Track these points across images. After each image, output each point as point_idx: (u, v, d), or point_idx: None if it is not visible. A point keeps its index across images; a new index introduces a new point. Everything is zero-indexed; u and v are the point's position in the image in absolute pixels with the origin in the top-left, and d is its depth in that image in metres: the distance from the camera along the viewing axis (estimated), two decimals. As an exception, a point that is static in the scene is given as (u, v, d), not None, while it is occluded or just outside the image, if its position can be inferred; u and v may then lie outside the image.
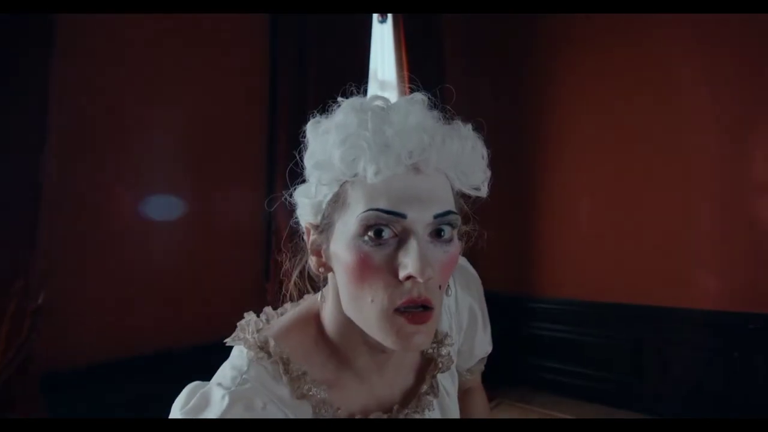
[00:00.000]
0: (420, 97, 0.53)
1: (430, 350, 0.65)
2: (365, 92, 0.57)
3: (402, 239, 0.48)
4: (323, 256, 0.53)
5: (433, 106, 0.54)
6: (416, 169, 0.49)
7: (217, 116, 2.02)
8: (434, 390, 0.62)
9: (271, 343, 0.53)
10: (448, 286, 0.58)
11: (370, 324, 0.50)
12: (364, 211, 0.47)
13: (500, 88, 3.55)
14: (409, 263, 0.46)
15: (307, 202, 0.54)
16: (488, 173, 0.55)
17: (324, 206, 0.52)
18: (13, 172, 1.35)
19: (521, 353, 3.34)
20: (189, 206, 1.89)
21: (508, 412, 2.92)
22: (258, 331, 0.56)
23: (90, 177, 1.62)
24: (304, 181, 0.57)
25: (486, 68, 3.58)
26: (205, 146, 1.98)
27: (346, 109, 0.51)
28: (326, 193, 0.51)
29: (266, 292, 2.01)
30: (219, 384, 0.50)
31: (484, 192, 0.56)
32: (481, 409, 0.82)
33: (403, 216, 0.47)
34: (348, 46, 2.48)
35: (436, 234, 0.49)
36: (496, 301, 3.57)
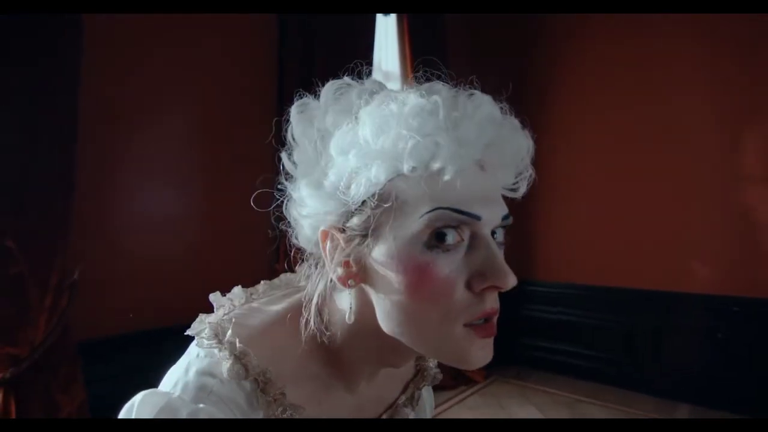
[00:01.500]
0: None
1: (421, 362, 0.60)
2: (370, 74, 0.50)
3: (472, 244, 0.42)
4: (354, 266, 0.44)
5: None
6: (481, 165, 0.43)
7: (228, 110, 2.15)
8: (413, 402, 0.58)
9: (252, 357, 0.44)
10: None
11: (429, 342, 0.43)
12: (431, 210, 0.40)
13: (504, 76, 3.62)
14: (494, 272, 0.41)
15: (327, 202, 0.44)
16: (532, 173, 0.49)
17: (366, 206, 0.42)
18: (51, 162, 1.50)
19: (518, 334, 3.49)
20: (204, 194, 2.04)
21: (504, 388, 3.09)
22: (231, 327, 0.46)
23: (117, 166, 1.78)
24: (287, 175, 0.49)
25: (489, 54, 3.66)
26: (216, 139, 2.11)
27: (407, 91, 0.43)
28: (372, 187, 0.41)
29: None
30: (181, 398, 0.42)
31: (521, 192, 0.50)
32: None
33: (478, 218, 0.41)
34: (353, 40, 2.58)
35: (492, 234, 0.44)
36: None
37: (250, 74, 2.27)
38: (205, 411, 0.41)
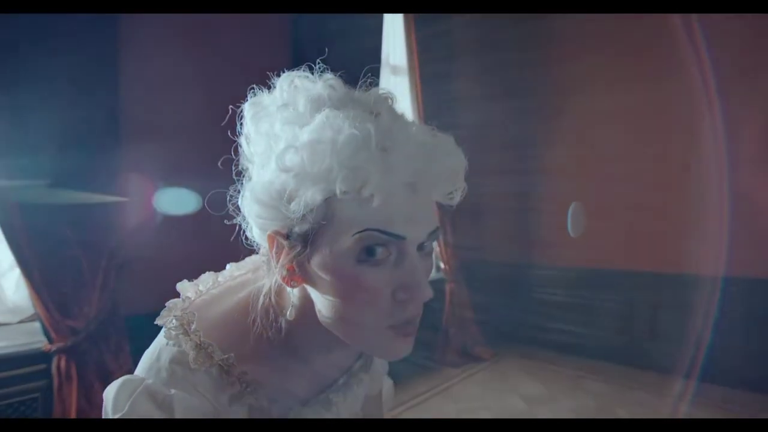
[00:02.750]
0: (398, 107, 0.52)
1: None
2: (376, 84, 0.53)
3: (399, 259, 0.46)
4: (297, 269, 0.48)
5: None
6: (412, 188, 0.46)
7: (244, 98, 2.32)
8: (366, 367, 0.65)
9: (215, 347, 0.50)
10: None
11: (356, 338, 0.49)
12: (361, 231, 0.44)
13: (508, 69, 3.74)
14: (411, 286, 0.46)
15: (272, 210, 0.46)
16: (464, 185, 0.52)
17: (305, 220, 0.46)
18: (98, 164, 1.70)
19: (524, 315, 3.65)
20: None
21: (510, 365, 3.26)
22: (195, 321, 0.51)
23: (154, 162, 1.98)
24: (240, 173, 0.52)
25: (494, 46, 3.76)
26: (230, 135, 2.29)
27: (340, 118, 0.45)
28: (309, 206, 0.45)
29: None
30: (155, 384, 0.47)
31: (456, 201, 0.53)
32: (387, 396, 0.81)
33: (402, 238, 0.45)
34: (363, 37, 2.72)
35: (420, 247, 0.48)
36: (503, 268, 3.91)
37: (266, 68, 2.43)
38: (177, 396, 0.46)
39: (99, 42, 1.73)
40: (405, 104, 3.25)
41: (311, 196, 0.44)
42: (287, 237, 0.47)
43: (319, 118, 0.45)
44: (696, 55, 2.85)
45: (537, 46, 3.59)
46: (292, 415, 0.56)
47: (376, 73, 2.81)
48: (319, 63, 0.52)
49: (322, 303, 0.48)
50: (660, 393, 2.72)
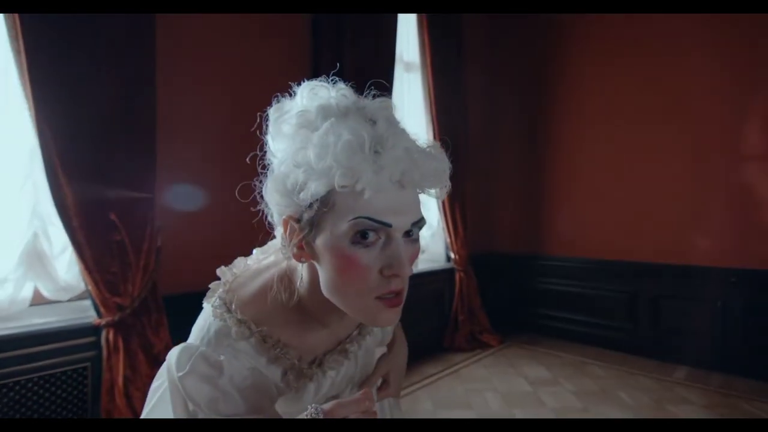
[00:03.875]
0: (390, 110, 0.60)
1: None
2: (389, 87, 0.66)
3: (386, 243, 0.56)
4: (306, 248, 0.59)
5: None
6: (400, 184, 0.56)
7: (267, 95, 2.47)
8: (370, 327, 0.79)
9: (251, 322, 0.62)
10: None
11: (350, 307, 0.59)
12: (355, 218, 0.54)
13: (517, 65, 3.84)
14: (395, 264, 0.55)
15: (288, 198, 0.57)
16: (448, 185, 0.63)
17: (312, 207, 0.56)
18: (137, 160, 1.87)
19: (531, 304, 3.78)
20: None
21: (516, 351, 3.40)
22: (234, 301, 0.64)
23: (187, 155, 2.15)
24: (265, 167, 0.61)
25: (503, 41, 3.86)
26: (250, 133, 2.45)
27: (341, 126, 0.55)
28: (315, 196, 0.54)
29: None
30: (208, 350, 0.60)
31: (442, 197, 0.64)
32: (399, 344, 0.92)
33: (389, 225, 0.55)
34: (378, 37, 2.85)
35: (407, 234, 0.58)
36: (509, 259, 4.07)
37: (287, 65, 2.57)
38: (225, 360, 0.60)
39: (138, 44, 1.89)
40: (418, 99, 3.37)
41: (315, 188, 0.53)
42: (298, 221, 0.57)
43: (326, 125, 0.55)
44: (702, 47, 2.93)
45: (544, 43, 3.68)
46: (316, 364, 0.70)
47: (390, 71, 2.94)
48: (333, 73, 0.63)
49: (324, 277, 0.58)
50: (661, 379, 2.84)
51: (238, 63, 2.36)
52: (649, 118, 3.18)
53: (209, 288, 0.68)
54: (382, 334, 0.85)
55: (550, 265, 3.68)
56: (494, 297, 3.81)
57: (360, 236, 0.55)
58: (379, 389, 0.87)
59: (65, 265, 1.88)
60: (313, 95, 0.60)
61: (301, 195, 0.55)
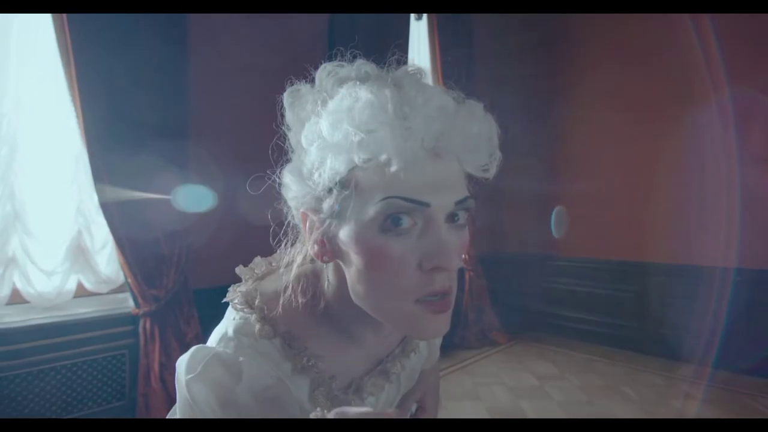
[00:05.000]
0: (425, 72, 0.51)
1: None
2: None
3: (424, 228, 0.45)
4: (327, 244, 0.49)
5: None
6: (435, 153, 0.45)
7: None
8: (414, 347, 0.66)
9: (280, 323, 0.53)
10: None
11: (385, 315, 0.48)
12: (383, 199, 0.44)
13: (526, 65, 3.94)
14: (436, 254, 0.44)
15: (304, 187, 0.49)
16: (498, 154, 0.51)
17: (332, 192, 0.47)
18: (172, 161, 2.03)
19: (541, 303, 3.88)
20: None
21: (525, 349, 3.50)
22: (258, 296, 0.55)
23: (215, 157, 2.30)
24: (288, 159, 0.53)
25: (513, 44, 3.97)
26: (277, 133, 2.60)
27: (358, 87, 0.45)
28: (333, 179, 0.46)
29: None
30: (225, 352, 0.50)
31: (491, 174, 0.52)
32: (433, 381, 0.80)
33: (426, 204, 0.44)
34: (391, 41, 2.98)
35: (451, 218, 0.47)
36: (521, 260, 4.16)
37: (305, 62, 2.72)
38: (245, 362, 0.49)
39: (172, 52, 2.05)
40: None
41: (332, 165, 0.44)
42: (318, 213, 0.48)
43: (341, 91, 0.46)
44: (706, 51, 2.99)
45: (554, 48, 3.78)
46: (352, 390, 0.58)
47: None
48: (351, 50, 0.53)
49: (351, 278, 0.48)
50: (667, 376, 2.92)
51: (264, 62, 2.47)
52: (655, 119, 3.26)
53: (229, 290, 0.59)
54: (428, 350, 0.72)
55: (559, 265, 3.77)
56: (504, 296, 3.91)
57: (392, 222, 0.44)
58: (415, 416, 0.76)
59: (105, 260, 2.05)
60: (327, 74, 0.51)
61: (315, 177, 0.47)
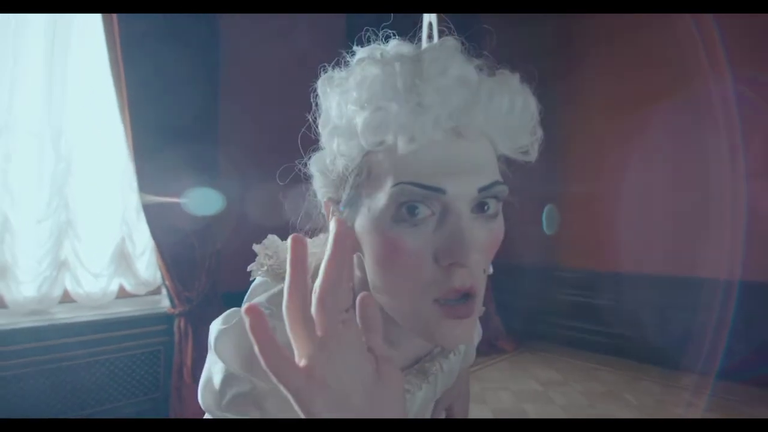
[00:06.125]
0: (453, 42, 0.43)
1: None
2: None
3: (441, 218, 0.40)
4: None
5: (470, 53, 0.43)
6: (457, 133, 0.41)
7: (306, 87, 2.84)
8: None
9: None
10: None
11: (402, 314, 0.43)
12: (394, 185, 0.39)
13: (534, 73, 4.12)
14: (452, 247, 0.39)
15: (326, 175, 0.46)
16: (539, 133, 0.47)
17: (347, 179, 0.43)
18: (203, 172, 2.25)
19: (544, 313, 4.01)
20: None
21: (530, 357, 3.63)
22: (281, 265, 0.51)
23: (244, 164, 2.51)
24: (317, 148, 0.49)
25: (521, 53, 4.16)
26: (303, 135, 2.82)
27: (366, 61, 0.42)
28: (348, 165, 0.43)
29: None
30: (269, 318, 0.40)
31: (533, 156, 0.48)
32: (462, 390, 0.76)
33: (442, 191, 0.39)
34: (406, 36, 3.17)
35: (480, 208, 0.42)
36: (525, 272, 4.30)
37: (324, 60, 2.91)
38: (278, 326, 0.41)
39: (204, 59, 2.27)
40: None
41: (340, 150, 0.42)
42: (337, 203, 0.46)
43: (354, 67, 0.43)
44: (714, 62, 3.07)
45: (559, 53, 3.92)
46: None
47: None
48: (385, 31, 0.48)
49: (369, 272, 0.44)
50: (666, 384, 3.03)
51: (287, 62, 2.62)
52: (657, 136, 3.39)
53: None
54: (466, 349, 0.66)
55: (564, 277, 3.91)
56: (510, 306, 4.05)
57: (407, 211, 0.40)
58: None
59: (145, 264, 2.26)
60: (356, 56, 0.47)
61: (329, 164, 0.45)
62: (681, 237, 3.28)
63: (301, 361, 0.31)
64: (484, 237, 0.42)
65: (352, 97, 0.41)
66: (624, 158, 3.57)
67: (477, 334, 0.68)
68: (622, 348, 3.55)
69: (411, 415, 0.54)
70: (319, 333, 0.31)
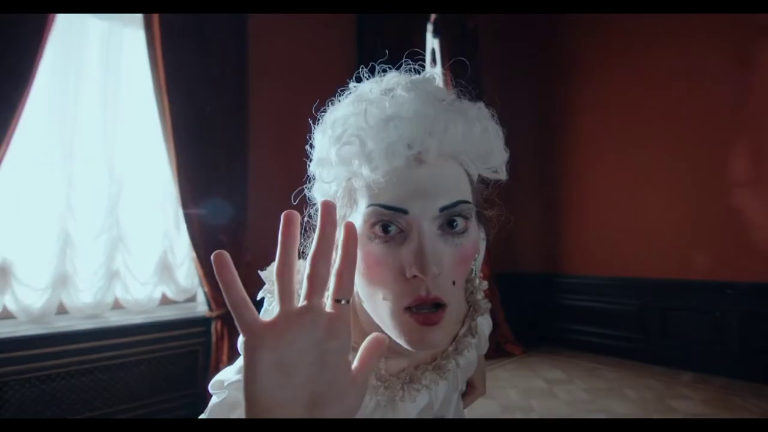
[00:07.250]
0: (422, 79, 0.51)
1: (468, 296, 0.65)
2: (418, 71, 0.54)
3: (407, 236, 0.46)
4: None
5: (442, 84, 0.50)
6: (419, 160, 0.46)
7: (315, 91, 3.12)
8: (472, 331, 0.63)
9: None
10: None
11: (383, 321, 0.48)
12: (367, 206, 0.46)
13: (532, 79, 4.33)
14: (414, 262, 0.44)
15: (319, 198, 0.52)
16: (505, 154, 0.51)
17: (337, 202, 0.49)
18: (236, 191, 2.53)
19: (550, 318, 4.20)
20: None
21: (537, 359, 3.81)
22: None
23: (272, 183, 2.79)
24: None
25: (518, 58, 4.41)
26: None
27: (346, 101, 0.49)
28: (335, 190, 0.50)
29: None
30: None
31: (503, 174, 0.52)
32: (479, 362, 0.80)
33: (404, 211, 0.45)
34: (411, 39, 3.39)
35: (448, 226, 0.47)
36: (530, 278, 4.55)
37: (335, 63, 3.10)
38: None
39: (233, 73, 2.58)
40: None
41: (324, 177, 0.49)
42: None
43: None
44: (723, 72, 3.23)
45: (561, 61, 4.15)
46: (405, 378, 0.57)
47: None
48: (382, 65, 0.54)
49: (357, 286, 0.49)
50: (666, 381, 3.19)
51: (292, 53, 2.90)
52: (649, 149, 3.61)
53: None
54: (481, 343, 0.71)
55: (568, 282, 4.10)
56: (518, 311, 4.24)
57: (380, 229, 0.46)
58: (465, 395, 0.79)
59: (184, 274, 2.54)
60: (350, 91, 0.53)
61: (324, 191, 0.52)
62: (677, 243, 3.46)
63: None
64: (448, 252, 0.47)
65: (329, 132, 0.49)
66: (623, 174, 3.76)
67: (488, 325, 0.75)
68: (624, 349, 3.70)
69: (436, 407, 0.59)
70: (304, 301, 0.38)
